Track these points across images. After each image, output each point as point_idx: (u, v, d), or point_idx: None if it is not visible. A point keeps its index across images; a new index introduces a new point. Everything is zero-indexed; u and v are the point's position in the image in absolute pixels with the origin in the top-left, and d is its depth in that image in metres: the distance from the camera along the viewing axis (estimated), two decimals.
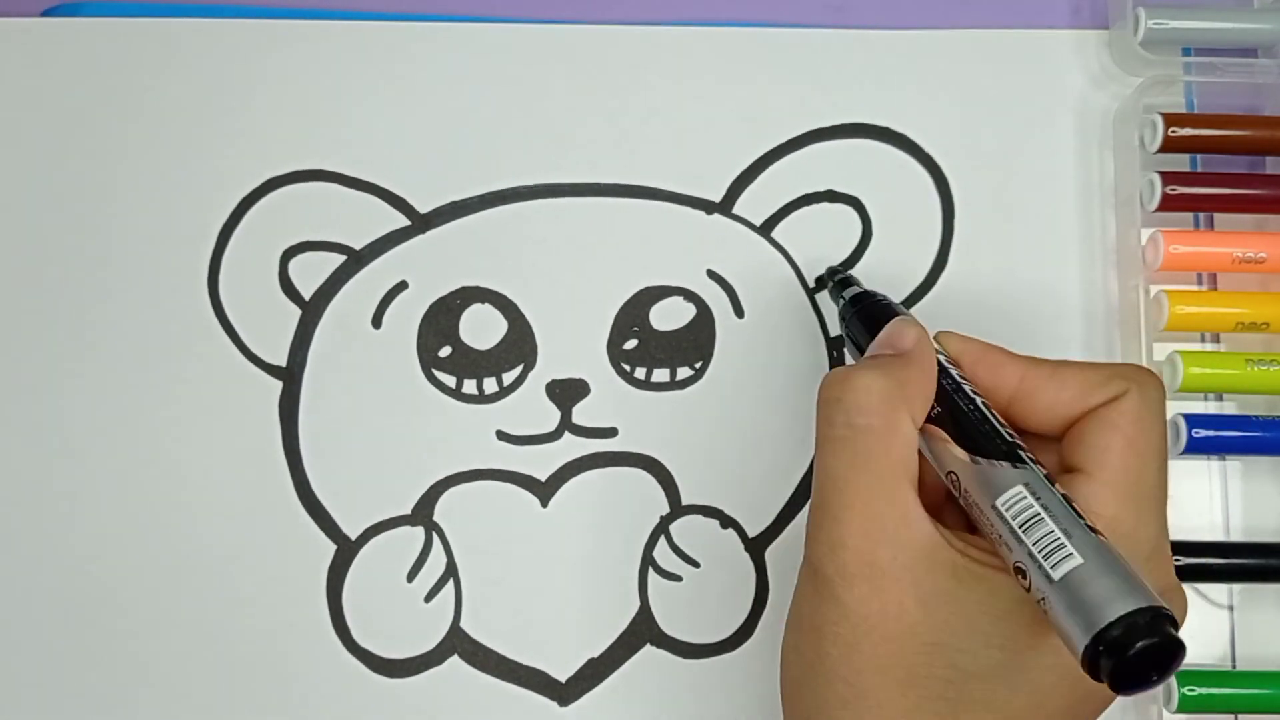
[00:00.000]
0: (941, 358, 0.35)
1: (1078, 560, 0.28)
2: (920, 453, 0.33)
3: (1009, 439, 0.32)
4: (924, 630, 0.31)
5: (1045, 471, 0.31)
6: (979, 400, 0.33)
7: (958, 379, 0.34)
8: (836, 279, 0.41)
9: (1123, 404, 0.33)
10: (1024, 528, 0.30)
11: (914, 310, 0.43)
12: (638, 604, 0.41)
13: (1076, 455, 0.33)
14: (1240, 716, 0.40)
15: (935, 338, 0.35)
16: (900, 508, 0.32)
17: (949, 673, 0.31)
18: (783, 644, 0.34)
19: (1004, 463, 0.31)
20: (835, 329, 0.43)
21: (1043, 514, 0.30)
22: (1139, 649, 0.27)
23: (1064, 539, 0.29)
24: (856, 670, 0.31)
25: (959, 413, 0.33)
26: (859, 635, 0.31)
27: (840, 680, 0.32)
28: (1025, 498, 0.30)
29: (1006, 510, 0.30)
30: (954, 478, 0.33)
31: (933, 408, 0.34)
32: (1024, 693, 0.31)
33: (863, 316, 0.38)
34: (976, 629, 0.31)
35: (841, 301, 0.39)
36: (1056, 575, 0.28)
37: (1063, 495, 0.30)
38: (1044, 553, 0.29)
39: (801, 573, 0.33)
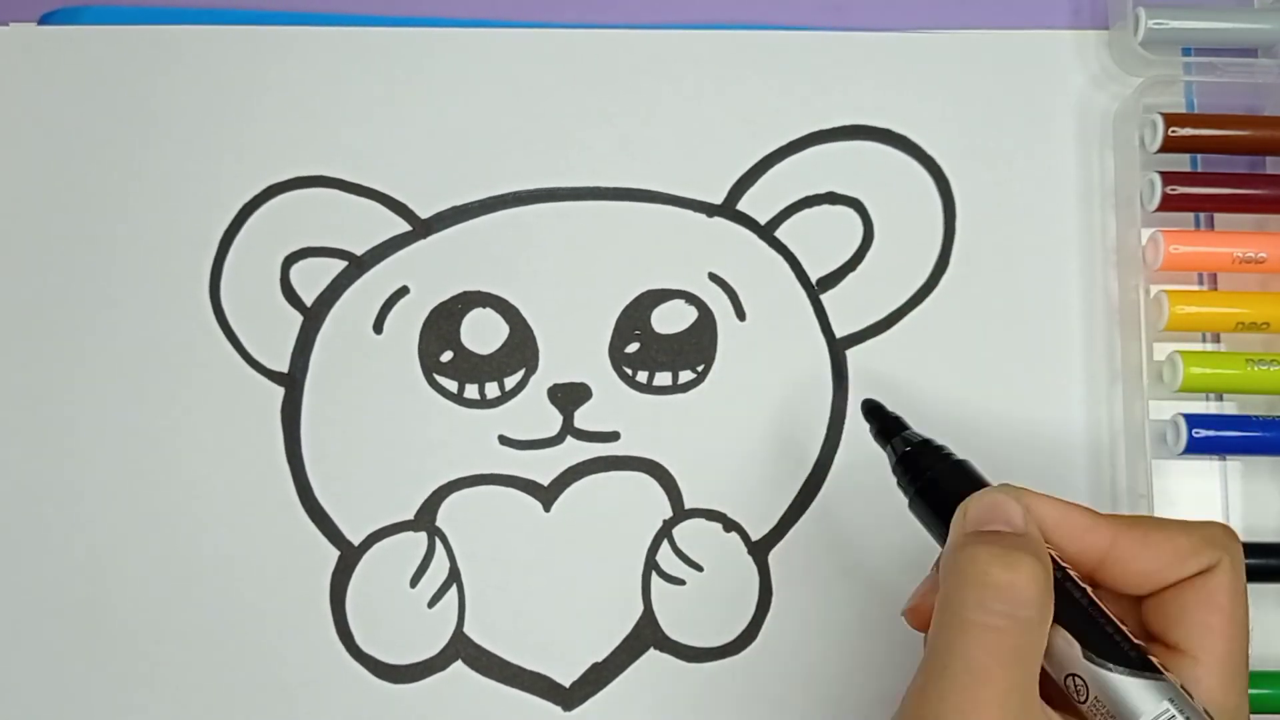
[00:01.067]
0: None
1: None
2: None
3: (1135, 643, 0.30)
4: None
5: (1179, 682, 0.30)
6: (1087, 590, 0.31)
7: (1057, 560, 0.31)
8: (881, 418, 0.36)
9: (1219, 576, 0.31)
10: None
11: (919, 311, 0.43)
12: (641, 608, 0.41)
13: (1173, 630, 0.31)
14: None
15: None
16: (1034, 711, 0.29)
17: None
18: None
19: (1140, 674, 0.30)
20: (838, 330, 0.43)
21: None
22: None
23: None
24: None
25: (1075, 608, 0.31)
26: None
27: None
28: (1174, 717, 0.29)
29: None
30: (1077, 682, 0.30)
31: None
32: None
33: (943, 483, 0.34)
34: None
35: (904, 450, 0.35)
36: None
37: (1204, 710, 0.29)
38: None
39: None
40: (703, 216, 0.43)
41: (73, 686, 0.41)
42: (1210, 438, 0.41)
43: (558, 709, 0.41)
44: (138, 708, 0.41)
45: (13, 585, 0.41)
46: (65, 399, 0.42)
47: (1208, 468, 0.43)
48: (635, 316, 0.42)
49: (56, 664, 0.41)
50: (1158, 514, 0.41)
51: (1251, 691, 0.39)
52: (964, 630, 0.29)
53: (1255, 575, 0.41)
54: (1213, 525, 0.33)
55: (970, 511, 0.32)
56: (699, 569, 0.41)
